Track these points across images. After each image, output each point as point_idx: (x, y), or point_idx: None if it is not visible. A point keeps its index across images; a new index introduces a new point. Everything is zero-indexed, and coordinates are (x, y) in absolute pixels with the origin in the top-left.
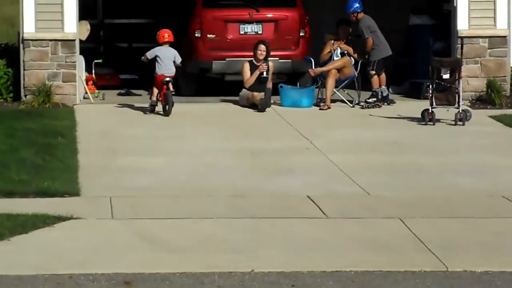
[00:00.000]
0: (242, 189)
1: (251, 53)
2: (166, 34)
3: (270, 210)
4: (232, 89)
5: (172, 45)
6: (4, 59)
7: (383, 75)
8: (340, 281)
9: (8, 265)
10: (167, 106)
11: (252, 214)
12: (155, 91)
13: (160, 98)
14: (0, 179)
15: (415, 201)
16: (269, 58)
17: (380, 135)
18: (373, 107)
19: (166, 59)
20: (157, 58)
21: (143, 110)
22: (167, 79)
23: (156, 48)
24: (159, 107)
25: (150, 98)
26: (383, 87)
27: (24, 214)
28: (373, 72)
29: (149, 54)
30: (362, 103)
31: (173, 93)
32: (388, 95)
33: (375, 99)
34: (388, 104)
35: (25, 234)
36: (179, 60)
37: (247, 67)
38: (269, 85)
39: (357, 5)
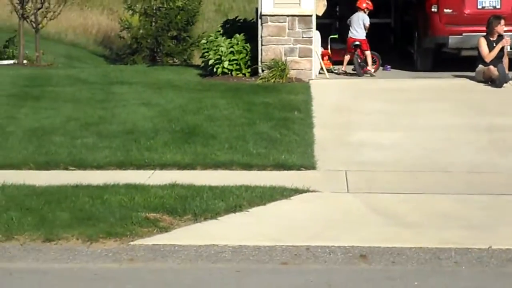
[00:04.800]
0: (478, 165)
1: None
2: (364, 4)
3: (507, 187)
4: (467, 64)
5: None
6: (242, 34)
7: None
8: None
9: (247, 236)
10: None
11: (489, 190)
12: (346, 58)
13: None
14: (238, 152)
15: None
16: (504, 34)
17: None
18: None
19: (354, 24)
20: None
21: (375, 84)
22: (356, 42)
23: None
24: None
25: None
26: None
27: (261, 186)
28: None
29: (348, 21)
30: None
31: (360, 59)
32: None
33: None
34: None
35: (262, 206)
36: (367, 22)
37: (484, 42)
38: (506, 59)
39: None
